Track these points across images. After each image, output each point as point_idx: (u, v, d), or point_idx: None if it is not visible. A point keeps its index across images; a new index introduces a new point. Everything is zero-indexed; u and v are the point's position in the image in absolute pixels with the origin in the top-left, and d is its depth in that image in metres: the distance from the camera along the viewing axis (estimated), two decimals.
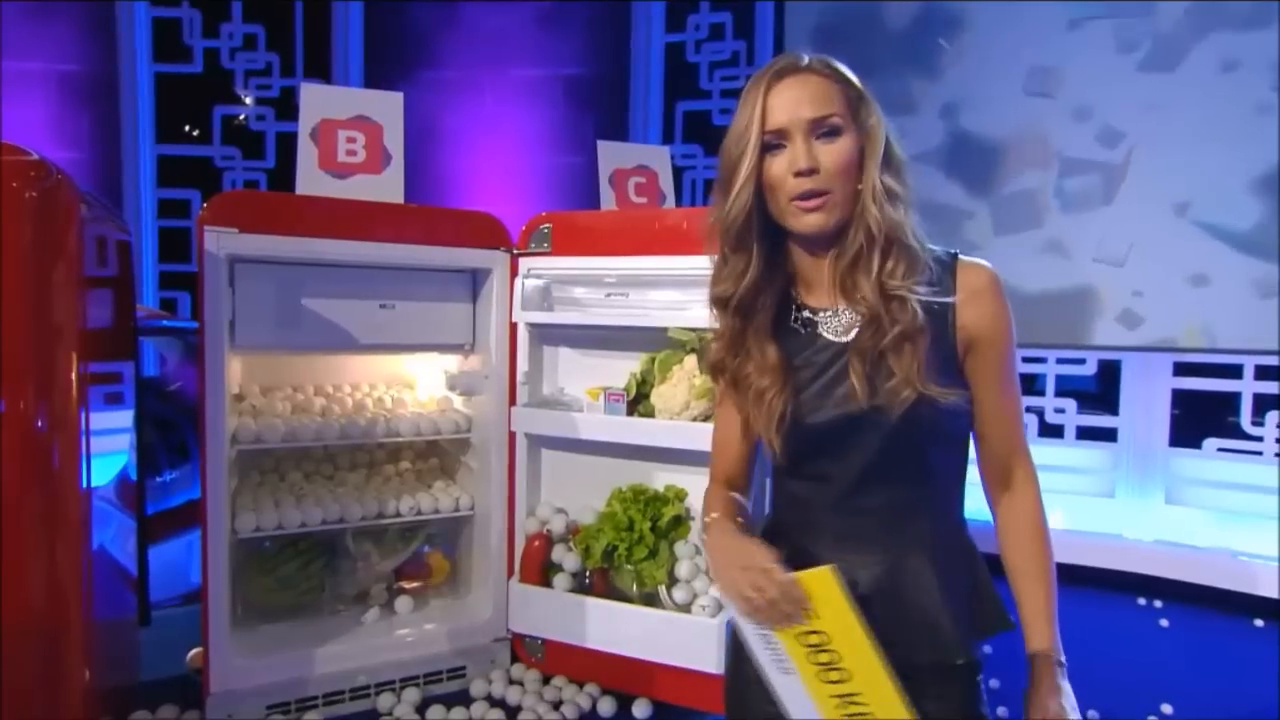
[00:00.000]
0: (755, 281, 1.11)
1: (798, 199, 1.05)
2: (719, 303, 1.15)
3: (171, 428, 3.26)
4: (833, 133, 1.04)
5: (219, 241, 1.99)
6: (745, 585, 0.96)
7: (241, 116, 4.62)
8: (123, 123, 4.47)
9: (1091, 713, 2.33)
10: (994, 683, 2.39)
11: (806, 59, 1.07)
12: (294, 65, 4.58)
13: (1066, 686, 1.07)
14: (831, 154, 1.04)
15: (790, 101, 1.04)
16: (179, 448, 3.30)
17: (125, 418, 2.16)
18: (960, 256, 1.11)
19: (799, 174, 1.04)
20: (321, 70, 4.54)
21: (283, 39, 4.58)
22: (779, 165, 1.06)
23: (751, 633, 0.99)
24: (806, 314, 1.14)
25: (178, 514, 3.22)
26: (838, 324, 1.11)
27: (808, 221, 1.06)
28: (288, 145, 4.55)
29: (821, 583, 0.93)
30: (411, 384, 2.72)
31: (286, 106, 4.58)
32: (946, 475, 1.15)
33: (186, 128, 4.67)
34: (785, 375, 1.11)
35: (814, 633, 0.95)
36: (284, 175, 4.51)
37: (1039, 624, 1.10)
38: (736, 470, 1.23)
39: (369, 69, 4.63)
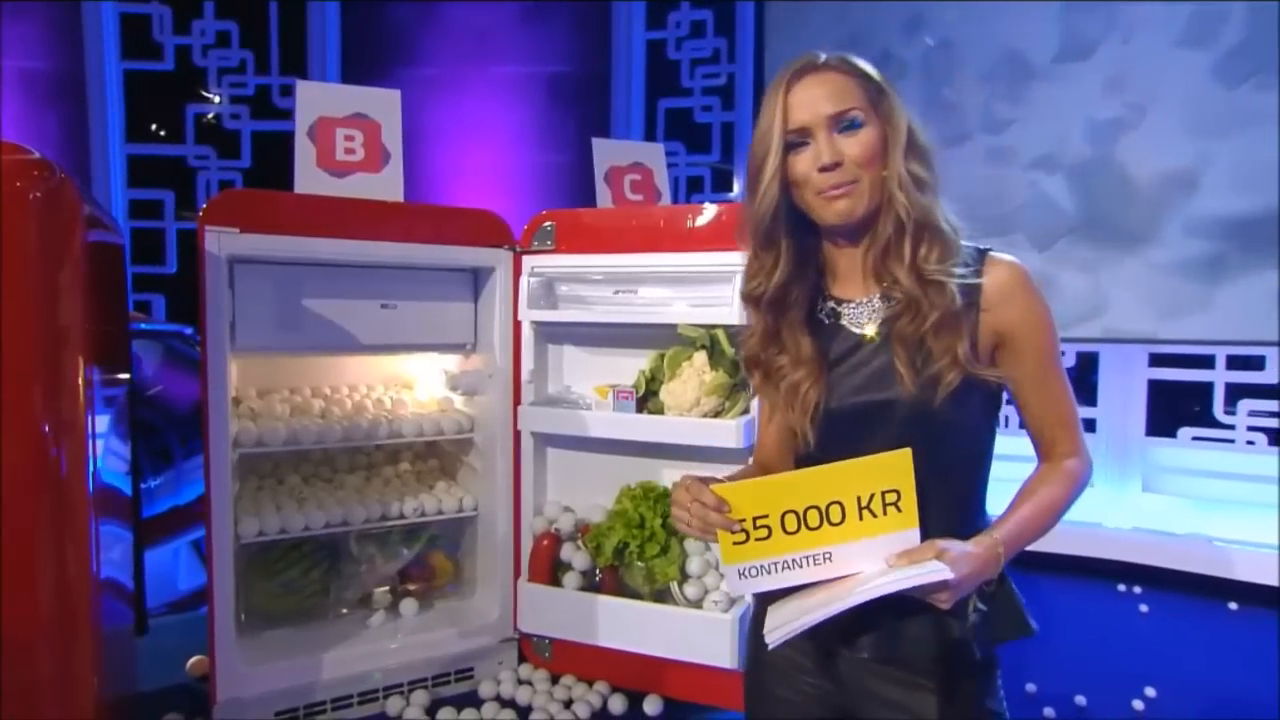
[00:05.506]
0: (786, 278, 1.13)
1: (825, 191, 1.07)
2: (751, 300, 1.17)
3: (154, 432, 3.19)
4: (854, 125, 1.07)
5: (219, 242, 1.95)
6: (677, 509, 1.07)
7: (212, 115, 4.52)
8: (91, 122, 4.36)
9: (1078, 698, 2.39)
10: (1030, 687, 2.43)
11: (823, 57, 1.09)
12: (269, 62, 4.50)
13: (974, 573, 1.00)
14: (854, 145, 1.07)
15: (810, 99, 1.07)
16: (161, 453, 3.22)
17: (124, 423, 2.10)
18: (991, 253, 1.10)
19: (824, 169, 1.06)
20: (298, 67, 4.46)
21: (257, 36, 4.49)
22: (803, 162, 1.08)
23: (740, 584, 1.05)
24: (831, 305, 1.15)
25: (162, 521, 3.14)
26: (860, 314, 1.13)
27: (835, 209, 1.08)
28: (264, 144, 4.46)
29: (729, 490, 1.04)
30: (410, 384, 2.69)
31: (262, 105, 4.49)
32: (967, 472, 1.14)
33: (155, 127, 4.56)
34: (820, 368, 1.12)
35: (759, 519, 1.03)
36: (260, 175, 4.43)
37: (1002, 522, 1.08)
38: (773, 459, 1.25)
39: (346, 66, 4.57)
